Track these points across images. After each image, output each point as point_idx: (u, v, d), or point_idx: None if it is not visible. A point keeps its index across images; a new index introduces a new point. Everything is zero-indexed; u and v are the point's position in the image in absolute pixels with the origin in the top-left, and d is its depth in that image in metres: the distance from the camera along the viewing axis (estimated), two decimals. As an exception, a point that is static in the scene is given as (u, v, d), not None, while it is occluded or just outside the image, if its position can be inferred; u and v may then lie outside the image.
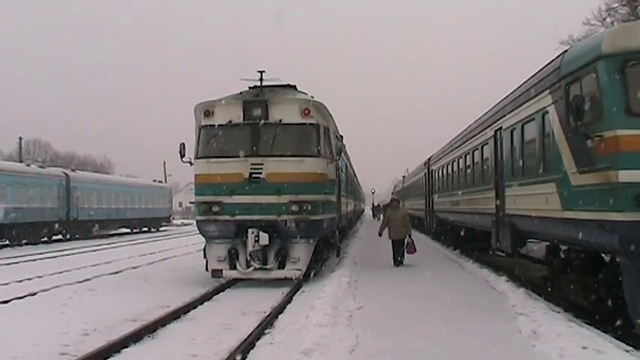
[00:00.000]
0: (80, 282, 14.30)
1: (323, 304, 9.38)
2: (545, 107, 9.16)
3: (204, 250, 13.50)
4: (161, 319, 9.21)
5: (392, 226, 15.98)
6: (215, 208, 13.01)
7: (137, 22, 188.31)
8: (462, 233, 18.30)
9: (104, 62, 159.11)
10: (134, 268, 17.82)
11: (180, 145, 13.48)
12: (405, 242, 15.97)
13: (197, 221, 13.64)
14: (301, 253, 13.01)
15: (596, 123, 7.29)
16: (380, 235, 16.44)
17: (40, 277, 15.67)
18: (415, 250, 16.06)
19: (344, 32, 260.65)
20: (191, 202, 15.78)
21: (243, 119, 13.28)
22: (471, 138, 15.89)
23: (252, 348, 7.61)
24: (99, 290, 12.94)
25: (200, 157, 13.44)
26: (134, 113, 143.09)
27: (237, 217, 12.91)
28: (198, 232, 13.96)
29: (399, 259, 15.81)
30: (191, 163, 13.56)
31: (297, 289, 12.40)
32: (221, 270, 13.01)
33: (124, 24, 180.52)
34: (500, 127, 12.17)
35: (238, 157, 13.05)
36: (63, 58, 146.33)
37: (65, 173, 36.78)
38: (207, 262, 13.39)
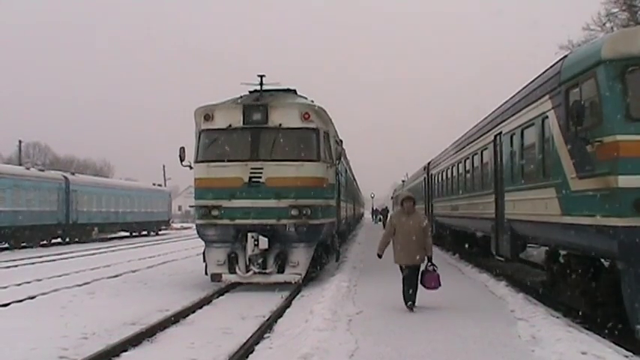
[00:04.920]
0: (79, 285, 14.29)
1: (322, 308, 9.37)
2: (545, 112, 9.17)
3: (204, 254, 13.51)
4: (160, 323, 9.20)
5: (402, 243, 9.62)
6: (215, 212, 13.02)
7: (136, 26, 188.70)
8: (462, 238, 18.30)
9: (104, 66, 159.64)
10: (133, 271, 17.79)
11: (180, 149, 13.48)
12: (423, 270, 9.82)
13: (196, 225, 13.65)
14: (301, 257, 13.01)
15: (596, 128, 7.30)
16: (380, 256, 9.98)
17: (39, 280, 15.65)
18: (439, 284, 9.87)
19: (346, 39, 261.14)
20: (191, 206, 15.74)
21: (243, 123, 13.29)
22: (471, 143, 15.89)
23: (252, 352, 7.62)
24: (98, 294, 12.93)
25: (200, 161, 13.44)
26: (134, 117, 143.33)
27: (237, 221, 12.90)
28: (197, 235, 13.96)
29: (411, 295, 9.73)
30: (191, 167, 13.55)
31: (297, 294, 12.38)
32: (220, 274, 12.99)
33: (123, 28, 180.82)
34: (500, 132, 12.19)
35: (238, 161, 13.07)
36: (63, 62, 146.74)
37: (65, 177, 36.78)
38: (206, 266, 13.40)
